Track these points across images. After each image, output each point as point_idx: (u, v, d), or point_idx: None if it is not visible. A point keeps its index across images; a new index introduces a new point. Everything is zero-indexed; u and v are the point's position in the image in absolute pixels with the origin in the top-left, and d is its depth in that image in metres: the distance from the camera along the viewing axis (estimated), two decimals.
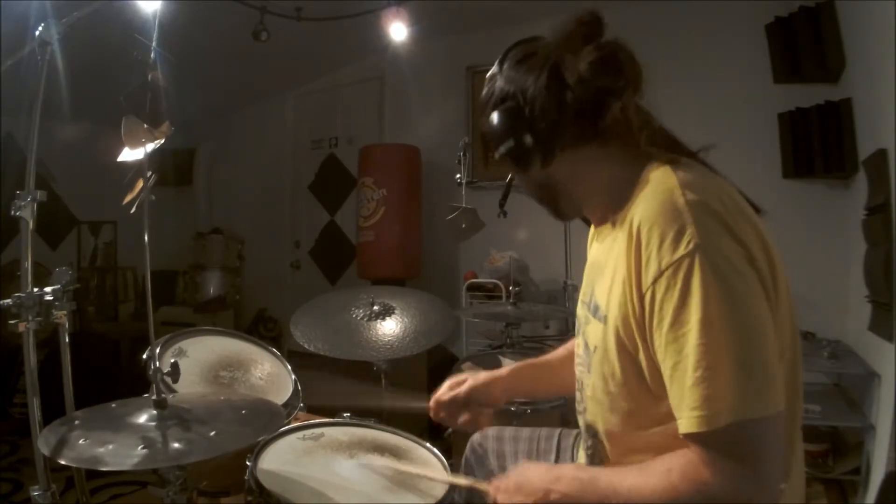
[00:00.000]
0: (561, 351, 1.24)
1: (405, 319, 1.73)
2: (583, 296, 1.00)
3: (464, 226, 2.18)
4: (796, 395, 0.82)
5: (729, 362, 0.68)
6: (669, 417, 0.74)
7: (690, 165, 0.82)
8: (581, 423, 0.99)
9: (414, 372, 3.35)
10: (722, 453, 0.69)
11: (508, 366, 1.21)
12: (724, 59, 3.04)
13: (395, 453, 1.26)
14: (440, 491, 1.12)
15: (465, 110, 4.00)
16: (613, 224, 0.87)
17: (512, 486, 0.88)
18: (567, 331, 3.01)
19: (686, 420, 0.70)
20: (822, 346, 2.43)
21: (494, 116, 0.91)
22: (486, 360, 2.06)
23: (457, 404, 1.17)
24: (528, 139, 0.87)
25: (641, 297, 0.75)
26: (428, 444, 1.31)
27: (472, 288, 3.48)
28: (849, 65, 2.54)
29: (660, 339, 0.73)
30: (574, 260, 2.66)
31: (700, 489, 0.70)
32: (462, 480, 1.07)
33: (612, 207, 0.88)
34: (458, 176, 2.21)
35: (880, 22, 2.01)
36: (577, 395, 1.01)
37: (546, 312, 2.59)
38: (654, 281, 0.73)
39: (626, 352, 0.80)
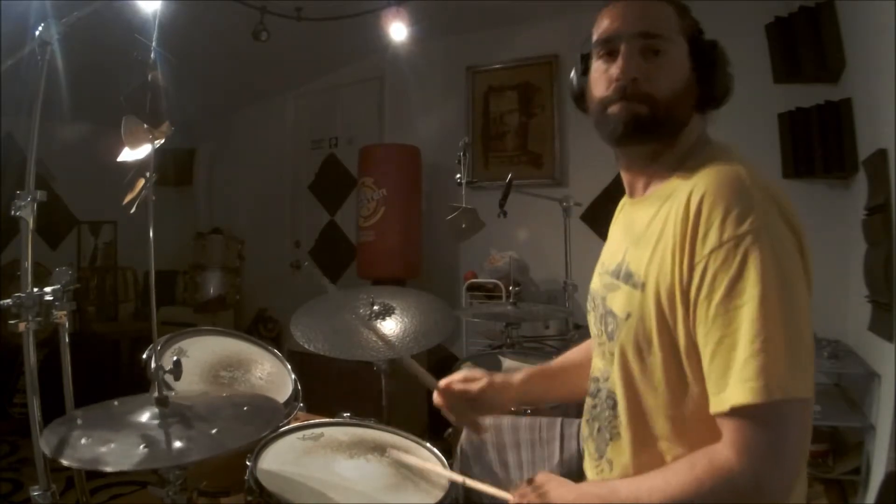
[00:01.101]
0: (569, 356, 1.22)
1: (405, 319, 1.73)
2: (603, 266, 0.99)
3: (464, 226, 2.18)
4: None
5: (782, 341, 0.69)
6: (696, 399, 0.74)
7: (742, 157, 0.85)
8: (594, 397, 0.97)
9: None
10: (760, 432, 0.69)
11: (521, 372, 1.18)
12: None
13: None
14: (440, 491, 1.12)
15: (465, 110, 4.00)
16: (658, 192, 0.89)
17: (535, 497, 0.87)
18: (567, 331, 3.00)
19: (738, 391, 0.69)
20: (822, 346, 2.43)
21: (717, 52, 0.94)
22: (486, 360, 2.06)
23: (464, 400, 1.15)
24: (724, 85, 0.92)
25: (692, 267, 0.75)
26: (428, 444, 1.31)
27: (472, 288, 3.48)
28: (849, 65, 2.54)
29: (706, 311, 0.73)
30: (574, 260, 2.66)
31: (726, 478, 0.70)
32: (479, 485, 1.02)
33: (660, 174, 0.90)
34: (458, 176, 2.21)
35: (880, 22, 2.01)
36: (594, 366, 1.00)
37: (546, 312, 2.59)
38: (712, 252, 0.73)
39: (664, 321, 0.79)
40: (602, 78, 0.91)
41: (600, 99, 0.91)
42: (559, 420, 1.26)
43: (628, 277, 0.87)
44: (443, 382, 1.17)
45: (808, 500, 2.22)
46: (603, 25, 0.92)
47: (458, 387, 1.15)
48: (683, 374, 0.78)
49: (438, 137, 3.90)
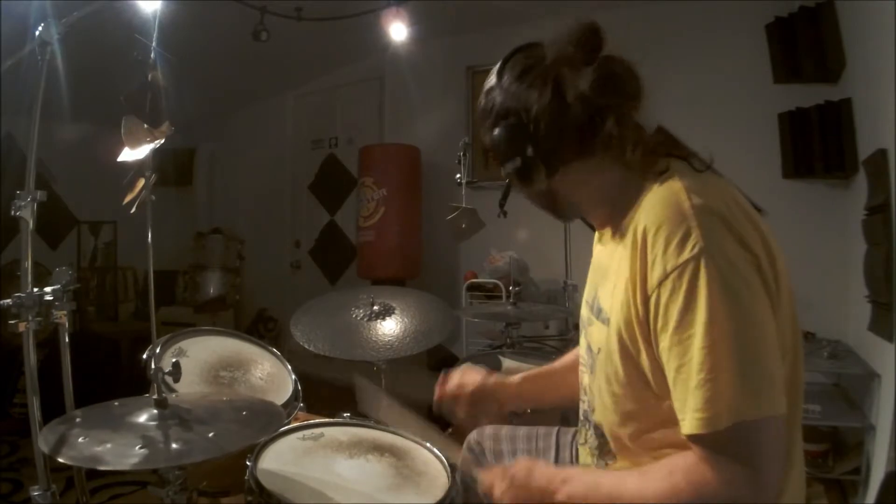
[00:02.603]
0: (568, 358, 1.23)
1: (405, 319, 1.73)
2: (586, 296, 1.00)
3: (464, 226, 2.18)
4: (797, 395, 0.82)
5: (731, 365, 0.69)
6: (673, 419, 0.75)
7: (693, 172, 0.82)
8: (587, 422, 0.99)
9: (414, 372, 3.35)
10: (723, 454, 0.70)
11: (517, 375, 1.19)
12: (724, 59, 3.04)
13: (395, 453, 1.26)
14: (440, 491, 1.12)
15: (465, 110, 4.00)
16: (615, 230, 0.88)
17: (516, 481, 0.88)
18: (567, 331, 3.01)
19: (689, 421, 0.71)
20: (822, 346, 2.43)
21: (497, 133, 0.90)
22: (486, 360, 2.06)
23: (461, 400, 1.16)
24: (532, 156, 0.87)
25: (646, 300, 0.76)
26: (428, 444, 1.31)
27: (472, 288, 3.48)
28: (849, 65, 2.54)
29: (664, 341, 0.74)
30: (574, 260, 2.66)
31: (702, 490, 0.71)
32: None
33: (613, 214, 0.89)
34: (458, 176, 2.21)
35: (880, 22, 2.01)
36: (582, 395, 1.01)
37: (546, 312, 2.59)
38: (660, 283, 0.73)
39: (629, 354, 0.80)
40: None
41: None
42: (556, 430, 1.27)
43: (599, 312, 0.89)
44: (437, 389, 1.18)
45: (808, 500, 2.23)
46: None
47: (453, 387, 1.17)
48: (655, 398, 0.79)
49: (438, 137, 3.90)
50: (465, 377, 1.18)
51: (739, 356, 0.69)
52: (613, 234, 0.90)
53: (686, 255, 0.71)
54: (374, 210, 3.75)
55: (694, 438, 0.71)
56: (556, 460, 1.20)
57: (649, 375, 0.79)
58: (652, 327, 0.76)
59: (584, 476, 0.86)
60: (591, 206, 0.94)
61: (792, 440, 0.81)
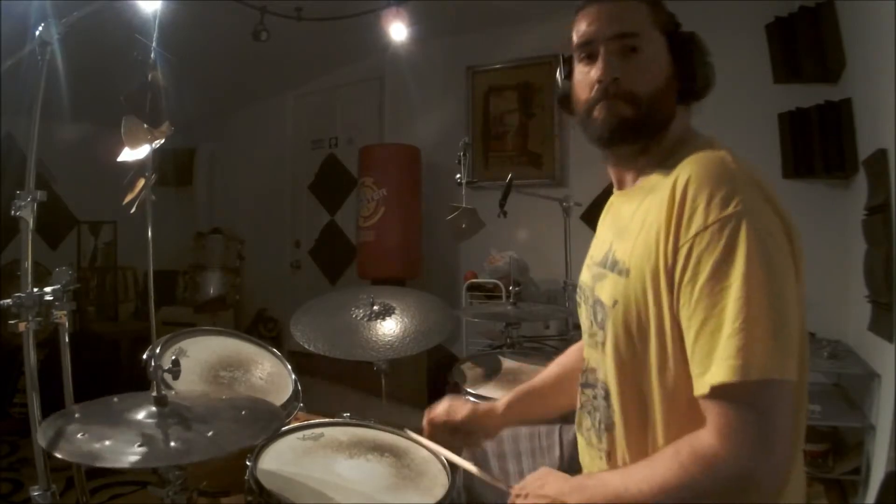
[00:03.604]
0: (552, 370, 1.22)
1: (405, 319, 1.73)
2: (592, 259, 0.99)
3: (464, 226, 2.17)
4: (803, 388, 0.81)
5: (765, 322, 0.69)
6: (683, 386, 0.74)
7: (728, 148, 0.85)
8: (587, 387, 0.98)
9: (414, 372, 3.34)
10: (742, 412, 0.69)
11: (504, 398, 1.19)
12: (724, 59, 3.02)
13: (395, 453, 1.26)
14: (440, 491, 1.12)
15: (465, 110, 4.00)
16: (643, 185, 0.89)
17: (530, 492, 0.87)
18: (567, 331, 3.00)
19: (718, 370, 0.69)
20: (822, 346, 2.43)
21: (696, 43, 0.93)
22: (486, 360, 2.06)
23: (450, 429, 1.16)
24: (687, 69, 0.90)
25: (677, 250, 0.75)
26: (428, 444, 1.31)
27: (472, 288, 3.47)
28: (849, 65, 2.54)
29: (691, 293, 0.73)
30: (574, 260, 2.66)
31: (710, 463, 0.70)
32: (482, 474, 1.05)
33: (646, 168, 0.90)
34: (458, 176, 2.21)
35: (880, 22, 2.01)
36: (585, 357, 1.00)
37: (546, 312, 2.59)
38: (697, 234, 0.73)
39: (650, 306, 0.79)
40: (584, 81, 0.92)
41: (584, 102, 0.92)
42: (557, 427, 1.27)
43: (614, 265, 0.88)
44: (425, 419, 1.18)
45: (808, 500, 2.23)
46: (580, 29, 0.93)
47: (440, 420, 1.16)
48: (671, 359, 0.78)
49: (438, 137, 3.90)
50: (452, 408, 1.17)
51: (772, 314, 0.70)
52: (638, 189, 0.91)
53: (729, 210, 0.72)
54: (374, 210, 3.75)
55: (717, 391, 0.70)
56: (561, 457, 1.20)
57: (668, 333, 0.78)
58: (679, 278, 0.75)
59: (587, 480, 0.85)
60: (664, 148, 0.91)
61: (798, 438, 0.80)
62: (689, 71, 0.90)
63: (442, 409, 1.17)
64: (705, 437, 0.71)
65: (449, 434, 1.16)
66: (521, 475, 1.21)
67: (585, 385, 0.98)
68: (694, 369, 0.73)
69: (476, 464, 1.26)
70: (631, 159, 0.94)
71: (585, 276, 1.00)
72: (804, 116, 2.75)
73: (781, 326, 0.70)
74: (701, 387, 0.72)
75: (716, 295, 0.71)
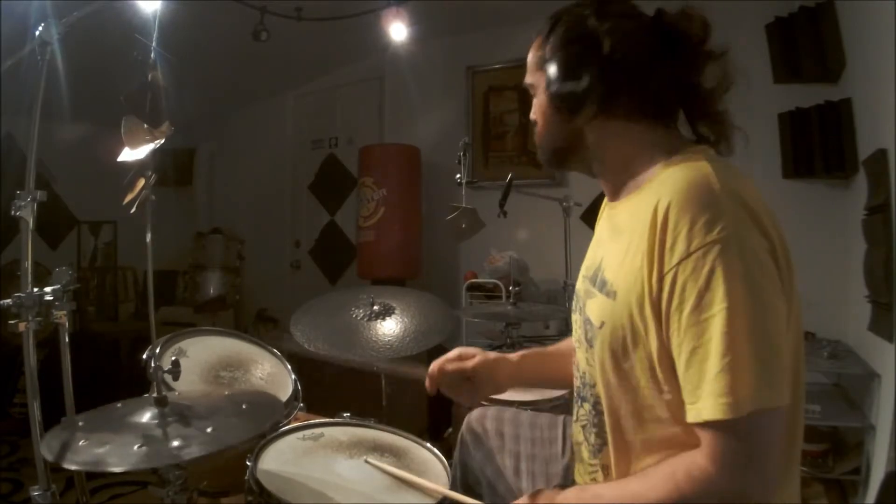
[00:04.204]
0: (566, 343, 1.22)
1: (405, 319, 1.73)
2: (585, 270, 0.99)
3: (464, 226, 2.17)
4: (799, 397, 0.82)
5: (751, 353, 0.69)
6: (673, 404, 0.74)
7: (718, 156, 0.84)
8: (578, 399, 0.98)
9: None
10: (734, 442, 0.69)
11: (518, 353, 1.19)
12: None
13: (395, 453, 1.26)
14: (441, 491, 1.12)
15: (465, 110, 4.00)
16: (631, 200, 0.88)
17: None
18: (567, 331, 3.00)
19: (708, 406, 0.70)
20: (822, 346, 2.43)
21: (568, 49, 0.88)
22: None
23: (460, 377, 1.14)
24: (590, 86, 0.86)
25: (661, 278, 0.75)
26: (428, 445, 1.31)
27: (472, 288, 3.47)
28: (849, 65, 2.54)
29: (678, 322, 0.73)
30: (574, 260, 2.66)
31: (704, 487, 0.71)
32: (462, 497, 1.04)
33: (628, 183, 0.89)
34: (458, 176, 2.21)
35: (880, 22, 2.01)
36: (575, 371, 1.00)
37: (546, 312, 2.59)
38: (680, 262, 0.72)
39: (636, 330, 0.79)
40: None
41: None
42: (561, 419, 1.26)
43: (603, 285, 0.87)
44: (436, 363, 1.16)
45: (808, 501, 2.23)
46: None
47: (451, 366, 1.14)
48: (658, 380, 0.78)
49: (438, 137, 3.90)
50: (463, 355, 1.16)
51: (758, 344, 0.69)
52: (626, 204, 0.89)
53: (712, 236, 0.71)
54: (374, 210, 3.75)
55: (712, 425, 0.70)
56: (563, 452, 1.19)
57: (655, 356, 0.77)
58: (664, 307, 0.75)
59: (581, 493, 0.86)
60: (612, 167, 0.92)
61: (793, 439, 0.80)
62: (571, 95, 0.88)
63: (453, 355, 1.15)
64: (700, 460, 0.72)
65: (458, 382, 1.14)
66: (517, 456, 1.21)
67: (579, 398, 0.98)
68: (686, 396, 0.73)
69: (475, 440, 1.26)
70: (599, 176, 0.97)
71: (579, 287, 1.00)
72: (804, 116, 2.75)
73: (769, 352, 0.70)
74: (693, 415, 0.72)
75: (702, 324, 0.71)
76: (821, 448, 2.33)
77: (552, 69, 0.89)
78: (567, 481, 1.10)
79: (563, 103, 0.89)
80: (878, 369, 2.12)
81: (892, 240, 1.90)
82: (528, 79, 0.97)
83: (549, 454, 1.20)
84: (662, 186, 0.78)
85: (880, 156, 2.05)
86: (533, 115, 0.98)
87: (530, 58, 0.96)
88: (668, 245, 0.74)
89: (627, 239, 0.82)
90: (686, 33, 0.87)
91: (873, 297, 2.17)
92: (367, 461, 1.20)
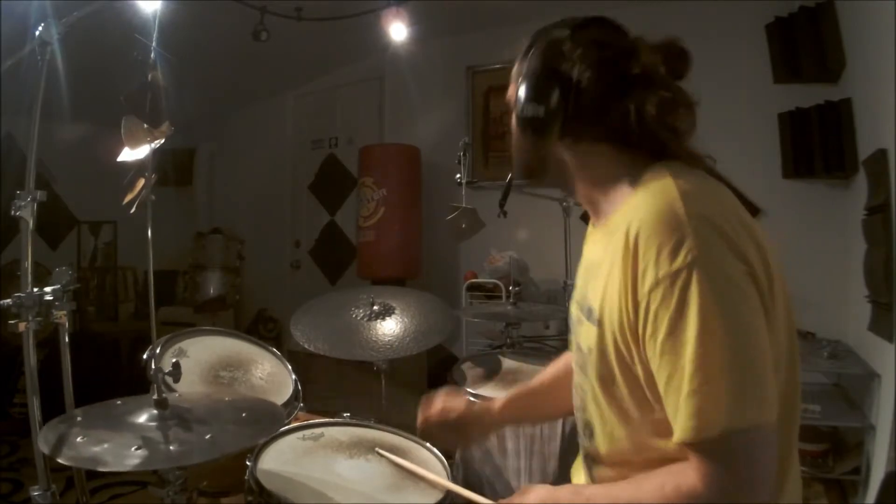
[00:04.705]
0: (550, 371, 1.22)
1: (405, 319, 1.73)
2: (576, 295, 0.99)
3: (464, 226, 2.17)
4: (794, 401, 0.82)
5: (723, 374, 0.69)
6: (665, 425, 0.75)
7: (689, 172, 0.81)
8: (579, 422, 0.99)
9: (414, 372, 3.34)
10: (714, 462, 0.70)
11: (500, 398, 1.19)
12: (724, 59, 3.04)
13: (396, 453, 1.26)
14: (441, 490, 1.12)
15: (465, 110, 4.00)
16: (605, 225, 0.88)
17: (517, 499, 0.88)
18: (567, 331, 3.00)
19: (681, 429, 0.71)
20: (822, 346, 2.43)
21: (537, 74, 0.88)
22: (486, 360, 2.06)
23: (445, 427, 1.17)
24: (556, 109, 0.86)
25: (636, 306, 0.75)
26: (428, 445, 1.31)
27: (472, 288, 3.47)
28: (849, 65, 2.54)
29: (654, 349, 0.73)
30: (574, 260, 2.66)
31: (693, 501, 0.71)
32: (466, 492, 1.05)
33: (604, 205, 0.89)
34: (458, 176, 2.21)
35: (880, 22, 2.01)
36: (574, 393, 1.01)
37: (546, 312, 2.59)
38: (651, 291, 0.72)
39: (622, 356, 0.80)
40: None
41: None
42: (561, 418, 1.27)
43: (589, 313, 0.87)
44: (420, 417, 1.18)
45: (809, 501, 2.23)
46: None
47: (435, 419, 1.17)
48: (648, 402, 0.79)
49: (438, 137, 3.90)
50: (448, 403, 1.18)
51: (731, 365, 0.69)
52: (603, 230, 0.89)
53: (678, 263, 0.70)
54: (374, 210, 3.75)
55: (689, 446, 0.71)
56: (561, 449, 1.20)
57: (642, 380, 0.78)
58: (641, 334, 0.75)
59: (575, 496, 0.86)
60: (584, 187, 0.93)
61: (789, 445, 0.81)
62: (527, 123, 0.89)
63: (437, 406, 1.18)
64: (689, 476, 0.72)
65: (444, 431, 1.16)
66: (517, 455, 1.21)
67: (578, 409, 0.99)
68: (669, 418, 0.74)
69: (479, 459, 1.26)
70: (569, 195, 1.00)
71: (573, 311, 1.00)
72: (804, 116, 2.75)
73: (744, 373, 0.69)
74: (675, 437, 0.73)
75: (676, 351, 0.71)
76: (821, 448, 2.33)
77: (521, 90, 0.89)
78: (564, 479, 1.10)
79: (528, 125, 0.89)
80: (878, 369, 2.12)
81: (892, 240, 1.90)
82: (509, 92, 0.95)
83: (547, 451, 1.21)
84: (632, 211, 0.78)
85: (880, 156, 2.05)
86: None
87: (513, 71, 0.95)
88: (639, 272, 0.74)
89: (608, 266, 0.82)
90: (656, 71, 0.85)
91: (873, 297, 2.17)
92: (377, 451, 1.21)
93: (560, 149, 0.90)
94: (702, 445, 0.70)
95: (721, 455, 0.70)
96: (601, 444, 0.89)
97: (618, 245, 0.78)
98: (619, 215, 0.83)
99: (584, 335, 0.89)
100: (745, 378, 0.69)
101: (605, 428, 0.88)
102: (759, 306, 0.73)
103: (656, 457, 0.80)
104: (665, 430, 0.76)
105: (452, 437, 1.17)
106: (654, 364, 0.74)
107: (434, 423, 1.17)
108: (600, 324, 0.83)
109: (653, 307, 0.72)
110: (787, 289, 0.80)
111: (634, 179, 0.83)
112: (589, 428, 0.92)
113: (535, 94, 0.87)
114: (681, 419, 0.71)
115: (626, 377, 0.80)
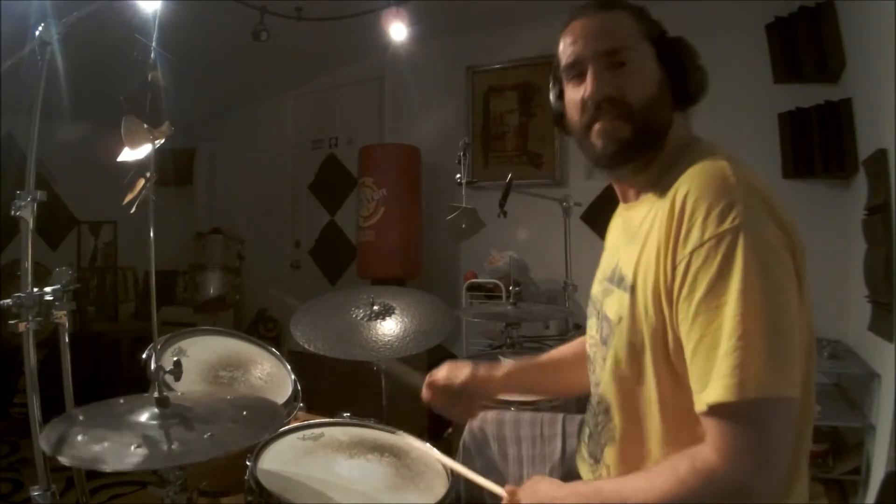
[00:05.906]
0: (562, 351, 1.23)
1: (405, 319, 1.73)
2: (601, 274, 0.99)
3: (464, 226, 2.17)
4: (810, 400, 0.81)
5: (762, 338, 0.68)
6: (684, 401, 0.74)
7: (733, 154, 0.83)
8: (594, 398, 0.98)
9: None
10: (739, 431, 0.68)
11: (506, 365, 1.19)
12: (724, 59, 3.03)
13: (396, 453, 1.26)
14: (441, 490, 1.12)
15: (465, 110, 4.00)
16: (653, 193, 0.88)
17: (524, 496, 0.87)
18: (567, 331, 3.00)
19: (714, 389, 0.69)
20: (822, 346, 2.43)
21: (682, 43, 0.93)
22: (486, 361, 2.06)
23: (450, 393, 1.16)
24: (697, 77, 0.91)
25: (675, 266, 0.75)
26: (428, 445, 1.31)
27: (472, 288, 3.47)
28: (849, 65, 2.54)
29: (688, 309, 0.73)
30: (574, 260, 2.66)
31: (708, 478, 0.69)
32: (477, 478, 1.05)
33: (653, 178, 0.89)
34: (458, 176, 2.21)
35: (880, 22, 2.01)
36: (590, 371, 1.00)
37: (546, 312, 2.59)
38: (694, 250, 0.73)
39: (653, 323, 0.79)
40: (576, 101, 0.91)
41: (578, 122, 0.92)
42: (561, 416, 1.27)
43: (620, 281, 0.87)
44: (426, 381, 1.18)
45: (809, 501, 2.23)
46: (566, 49, 0.92)
47: (441, 382, 1.16)
48: (675, 375, 0.78)
49: (438, 137, 3.90)
50: (452, 371, 1.18)
51: (769, 331, 0.68)
52: (646, 200, 0.90)
53: (726, 225, 0.71)
54: (374, 210, 3.75)
55: (714, 409, 0.69)
56: (563, 449, 1.20)
57: (671, 348, 0.77)
58: (676, 294, 0.75)
59: (581, 487, 0.85)
60: (664, 156, 0.91)
61: (803, 439, 0.80)
62: (681, 76, 0.89)
63: (442, 373, 1.17)
64: (704, 453, 0.71)
65: (449, 398, 1.16)
66: (520, 461, 1.21)
67: (594, 384, 0.98)
68: (693, 386, 0.73)
69: (476, 446, 1.26)
70: (633, 175, 0.94)
71: (596, 290, 1.00)
72: (804, 116, 2.75)
73: (780, 342, 0.69)
74: (699, 404, 0.71)
75: (712, 311, 0.70)
76: (821, 448, 2.33)
77: (673, 57, 0.90)
78: (568, 478, 1.10)
79: (685, 94, 0.91)
80: (878, 369, 2.12)
81: (892, 240, 1.90)
82: (618, 42, 0.87)
83: (549, 451, 1.21)
84: (681, 180, 0.79)
85: (880, 156, 2.05)
86: (613, 91, 0.87)
87: (616, 21, 0.89)
88: (682, 233, 0.75)
89: (645, 233, 0.83)
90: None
91: (873, 297, 2.17)
92: (431, 446, 1.22)
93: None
94: (732, 409, 0.68)
95: (749, 421, 0.68)
96: (616, 420, 0.88)
97: (662, 209, 0.79)
98: (664, 184, 0.84)
99: (613, 304, 0.88)
100: (781, 346, 0.69)
101: (621, 402, 0.86)
102: (794, 279, 0.74)
103: (672, 434, 0.79)
104: (686, 405, 0.74)
105: (456, 405, 1.16)
106: (686, 327, 0.73)
107: (438, 390, 1.16)
108: (633, 289, 0.82)
109: (693, 267, 0.73)
110: (810, 284, 0.79)
111: (686, 150, 0.87)
112: (604, 403, 0.91)
113: (686, 61, 0.91)
114: (715, 378, 0.69)
115: (654, 345, 0.79)
